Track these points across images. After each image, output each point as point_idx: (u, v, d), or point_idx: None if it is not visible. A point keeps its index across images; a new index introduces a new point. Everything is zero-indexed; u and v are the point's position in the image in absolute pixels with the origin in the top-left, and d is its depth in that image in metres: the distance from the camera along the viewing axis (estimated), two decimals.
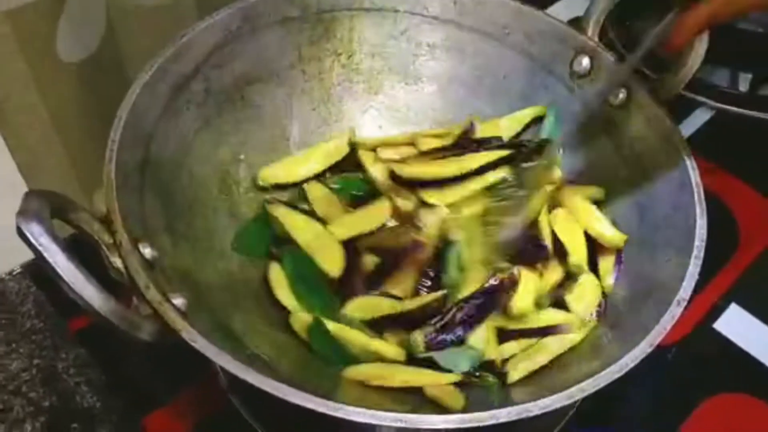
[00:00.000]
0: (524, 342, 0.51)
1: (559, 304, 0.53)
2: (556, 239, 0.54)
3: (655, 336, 0.42)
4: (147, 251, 0.43)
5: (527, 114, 0.60)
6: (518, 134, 0.61)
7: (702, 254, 0.46)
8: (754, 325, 0.62)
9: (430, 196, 0.56)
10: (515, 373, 0.49)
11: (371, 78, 0.64)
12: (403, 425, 0.37)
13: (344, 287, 0.53)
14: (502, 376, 0.49)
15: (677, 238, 0.48)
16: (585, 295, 0.52)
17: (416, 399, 0.47)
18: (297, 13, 0.59)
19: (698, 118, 0.76)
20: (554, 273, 0.53)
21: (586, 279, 0.53)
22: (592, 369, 0.41)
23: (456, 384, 0.48)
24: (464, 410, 0.44)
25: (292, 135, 0.62)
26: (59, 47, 0.63)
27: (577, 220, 0.56)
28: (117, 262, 0.42)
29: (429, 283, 0.52)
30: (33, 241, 0.36)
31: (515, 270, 0.50)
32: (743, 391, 0.59)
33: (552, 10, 0.84)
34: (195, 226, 0.52)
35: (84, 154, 0.70)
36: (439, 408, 0.46)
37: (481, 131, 0.60)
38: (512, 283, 0.50)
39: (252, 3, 0.57)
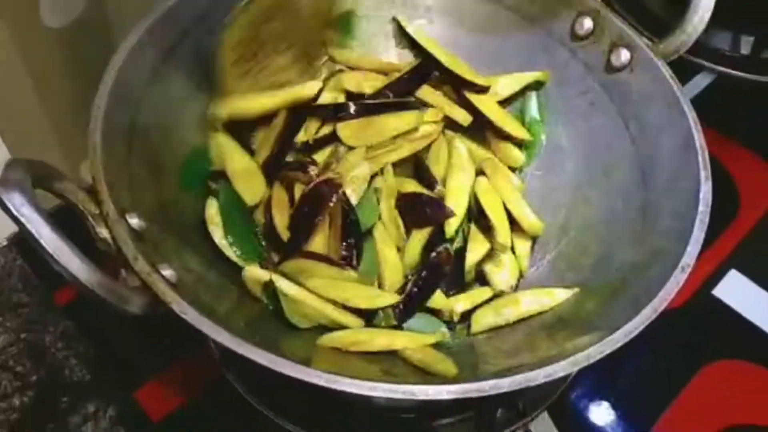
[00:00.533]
0: (483, 291, 0.53)
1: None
2: (480, 210, 0.55)
3: (659, 302, 0.41)
4: (134, 221, 0.42)
5: (528, 77, 0.59)
6: (515, 94, 0.60)
7: (707, 219, 0.45)
8: (754, 292, 0.61)
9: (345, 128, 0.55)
10: (477, 325, 0.51)
11: (367, 43, 0.62)
12: (403, 396, 0.36)
13: (270, 235, 0.52)
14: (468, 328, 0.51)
15: (681, 203, 0.47)
16: (505, 269, 0.54)
17: (399, 365, 0.46)
18: None
19: (699, 82, 0.75)
20: (480, 246, 0.54)
21: (508, 257, 0.54)
22: (591, 338, 0.40)
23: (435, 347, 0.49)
24: (457, 377, 0.44)
25: None
26: (42, 12, 0.61)
27: (500, 195, 0.56)
28: (103, 232, 0.41)
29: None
30: (15, 212, 0.35)
31: (447, 246, 0.53)
32: (743, 357, 0.58)
33: None
34: (184, 196, 0.51)
35: (70, 122, 0.68)
36: (429, 375, 0.45)
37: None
38: (448, 257, 0.52)
39: None
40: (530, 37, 0.59)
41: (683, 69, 0.73)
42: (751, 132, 0.71)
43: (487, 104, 0.59)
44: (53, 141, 0.69)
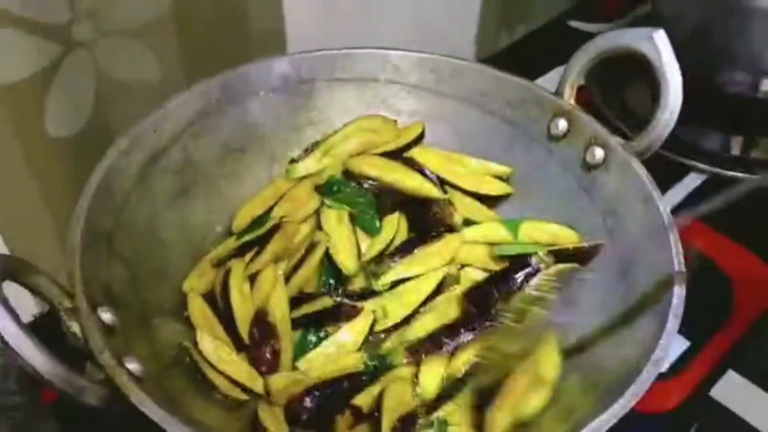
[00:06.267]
0: None
1: None
2: None
3: (630, 397, 0.40)
4: (107, 316, 0.43)
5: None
6: None
7: (680, 312, 0.44)
8: (753, 393, 0.59)
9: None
10: None
11: None
12: None
13: None
14: None
15: (657, 297, 0.46)
16: None
17: None
18: (277, 83, 0.60)
19: (691, 182, 0.75)
20: None
21: None
22: None
23: None
24: None
25: None
26: (48, 123, 0.64)
27: None
28: (74, 327, 0.41)
29: None
30: None
31: None
32: None
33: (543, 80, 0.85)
34: (163, 294, 0.52)
35: None
36: None
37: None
38: None
39: (231, 74, 0.58)
40: (511, 139, 0.60)
41: (674, 168, 0.74)
42: (745, 230, 0.71)
43: None
44: (58, 248, 0.70)
